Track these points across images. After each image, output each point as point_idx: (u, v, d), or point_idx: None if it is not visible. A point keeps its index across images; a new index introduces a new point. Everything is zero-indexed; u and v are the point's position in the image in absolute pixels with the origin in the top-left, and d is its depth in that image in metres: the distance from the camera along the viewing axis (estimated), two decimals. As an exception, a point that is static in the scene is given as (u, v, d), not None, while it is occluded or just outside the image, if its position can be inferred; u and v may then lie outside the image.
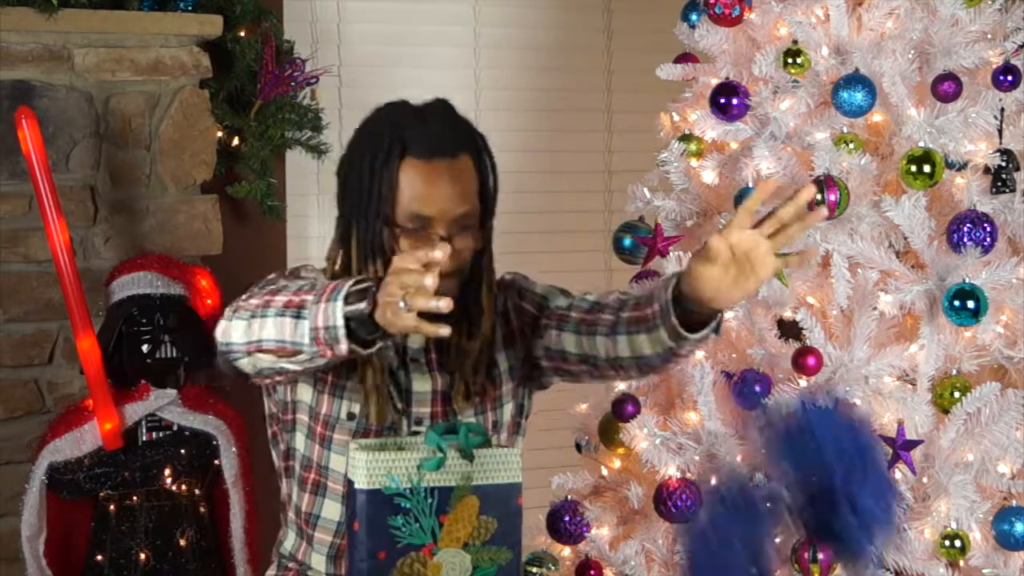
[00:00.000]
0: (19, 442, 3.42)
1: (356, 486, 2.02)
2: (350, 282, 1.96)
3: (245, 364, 2.08)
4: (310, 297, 1.97)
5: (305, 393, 2.24)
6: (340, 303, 1.93)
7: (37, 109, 3.34)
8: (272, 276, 2.20)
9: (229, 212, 3.74)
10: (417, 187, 2.15)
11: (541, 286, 2.38)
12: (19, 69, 3.42)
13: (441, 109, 2.22)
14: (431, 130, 2.17)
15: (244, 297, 2.10)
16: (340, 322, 1.93)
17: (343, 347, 1.95)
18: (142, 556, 3.19)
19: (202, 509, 3.26)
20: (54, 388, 3.48)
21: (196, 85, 3.60)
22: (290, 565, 2.34)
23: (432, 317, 1.91)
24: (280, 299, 2.02)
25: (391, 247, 2.18)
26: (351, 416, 2.23)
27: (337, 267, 2.24)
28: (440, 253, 1.90)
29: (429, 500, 2.05)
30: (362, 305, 1.93)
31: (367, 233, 2.19)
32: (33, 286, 3.45)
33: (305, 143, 3.83)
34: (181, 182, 3.60)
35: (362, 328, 1.95)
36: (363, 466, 2.02)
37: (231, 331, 2.06)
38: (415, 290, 1.87)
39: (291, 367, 2.06)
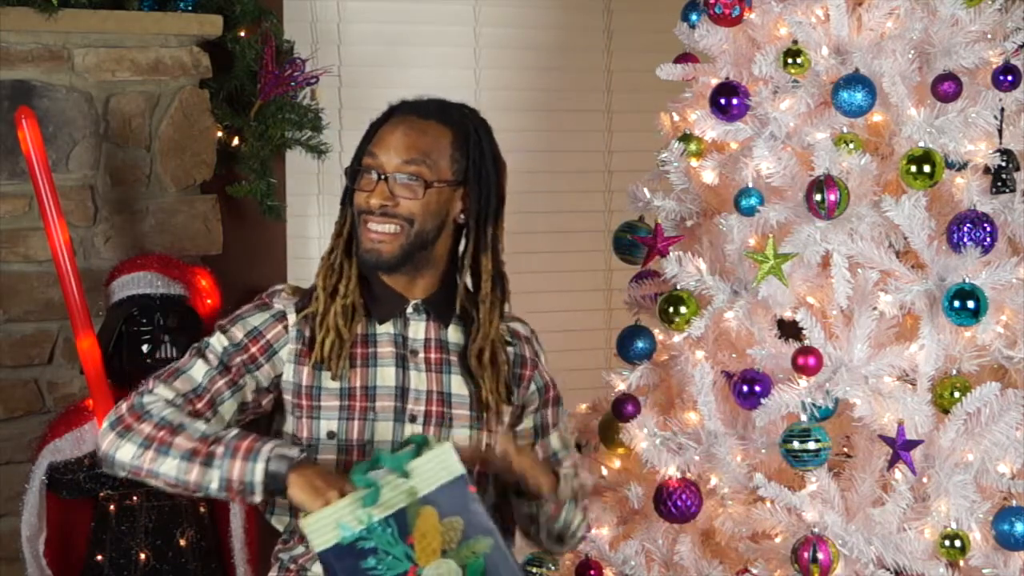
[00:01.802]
0: (19, 442, 3.42)
1: (317, 550, 2.08)
2: (267, 447, 2.16)
3: (122, 474, 2.25)
4: (219, 449, 2.17)
5: (288, 425, 2.34)
6: (260, 465, 2.15)
7: (37, 109, 3.34)
8: (162, 374, 2.33)
9: (229, 212, 3.74)
10: (381, 134, 2.32)
11: (545, 377, 2.48)
12: (19, 69, 3.42)
13: (443, 99, 2.38)
14: (423, 100, 2.36)
15: (131, 408, 2.25)
16: (259, 478, 2.16)
17: (257, 499, 2.18)
18: (142, 556, 3.19)
19: (202, 509, 3.26)
20: (54, 388, 3.48)
21: (196, 85, 3.60)
22: (291, 567, 2.35)
23: None
24: (183, 443, 2.19)
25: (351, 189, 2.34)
26: (331, 435, 2.29)
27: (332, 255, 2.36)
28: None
29: (388, 530, 2.08)
30: (283, 469, 2.15)
31: (347, 191, 2.36)
32: (33, 286, 3.45)
33: (305, 143, 3.83)
34: (181, 182, 3.60)
35: (271, 484, 2.17)
36: (311, 529, 2.09)
37: (119, 450, 2.23)
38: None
39: (176, 492, 2.25)
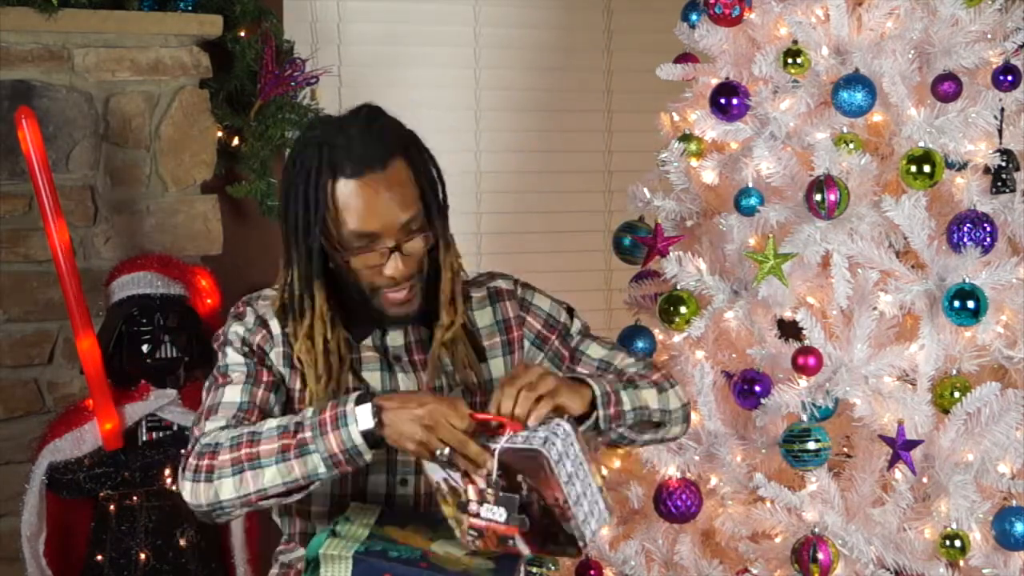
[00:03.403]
0: (19, 442, 3.42)
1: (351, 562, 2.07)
2: (351, 406, 2.07)
3: (239, 514, 2.17)
4: (308, 434, 2.07)
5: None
6: (353, 427, 2.06)
7: (37, 109, 3.34)
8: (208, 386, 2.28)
9: (229, 212, 3.74)
10: (354, 207, 2.17)
11: (542, 299, 2.42)
12: (19, 69, 3.42)
13: (364, 117, 2.22)
14: (355, 144, 2.17)
15: (200, 454, 2.14)
16: (359, 440, 2.06)
17: (368, 458, 2.08)
18: (142, 556, 3.19)
19: (202, 509, 3.26)
20: (54, 388, 3.48)
21: (196, 85, 3.60)
22: (291, 569, 2.35)
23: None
24: (267, 447, 2.09)
25: (336, 268, 2.22)
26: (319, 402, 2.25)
27: (286, 293, 2.27)
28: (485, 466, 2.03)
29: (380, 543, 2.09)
30: (371, 426, 2.05)
31: (306, 261, 2.22)
32: (33, 286, 3.45)
33: (305, 143, 3.82)
34: (181, 182, 3.60)
35: (370, 440, 2.08)
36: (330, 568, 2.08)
37: (220, 491, 2.11)
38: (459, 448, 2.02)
39: (292, 499, 2.15)
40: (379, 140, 2.18)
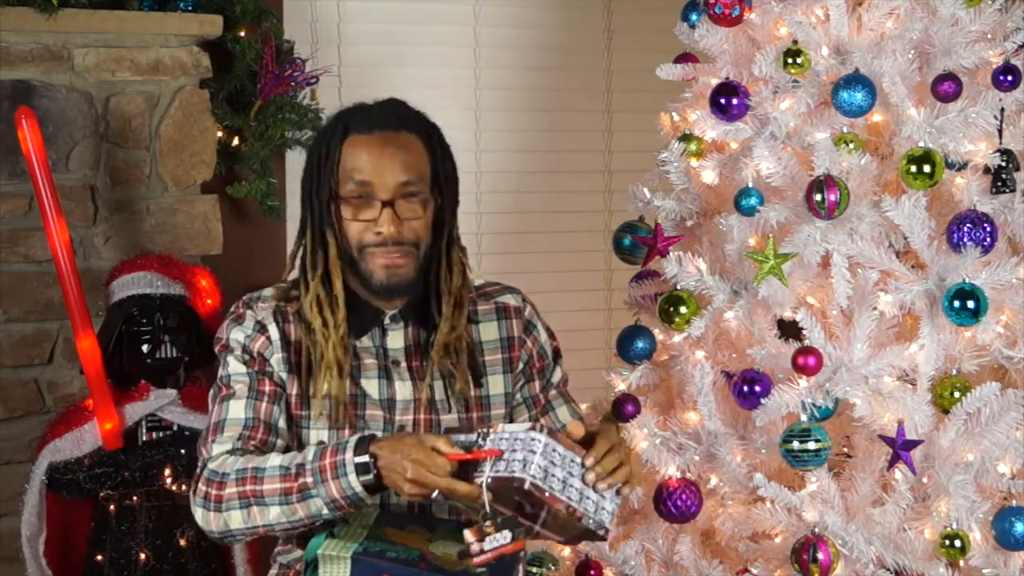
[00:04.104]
0: (19, 442, 3.42)
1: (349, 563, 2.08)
2: (349, 455, 2.09)
3: (249, 540, 2.25)
4: (308, 479, 2.10)
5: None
6: (353, 477, 2.09)
7: (37, 109, 3.34)
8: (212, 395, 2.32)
9: (229, 212, 3.74)
10: (358, 156, 2.23)
11: (542, 329, 2.44)
12: (19, 69, 3.43)
13: (392, 100, 2.31)
14: (374, 109, 2.27)
15: (209, 480, 2.18)
16: (359, 490, 2.10)
17: (369, 501, 2.13)
18: (142, 556, 3.19)
19: (202, 509, 3.26)
20: (54, 388, 3.49)
21: (196, 85, 3.60)
22: (289, 570, 2.35)
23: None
24: (270, 487, 2.13)
25: (337, 221, 2.24)
26: (320, 444, 2.25)
27: (299, 260, 2.31)
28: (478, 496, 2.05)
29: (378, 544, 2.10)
30: (370, 477, 2.09)
31: (317, 214, 2.26)
32: (33, 286, 3.45)
33: (305, 143, 3.83)
34: (181, 182, 3.60)
35: (371, 487, 2.12)
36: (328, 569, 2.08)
37: (229, 522, 2.16)
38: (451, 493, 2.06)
39: (299, 530, 2.20)
40: (398, 112, 2.28)
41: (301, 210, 2.31)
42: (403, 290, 2.26)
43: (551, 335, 2.47)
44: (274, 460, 2.15)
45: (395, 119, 2.25)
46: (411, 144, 2.24)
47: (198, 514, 2.18)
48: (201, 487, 2.18)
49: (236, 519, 2.15)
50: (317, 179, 2.25)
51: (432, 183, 2.25)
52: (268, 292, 2.35)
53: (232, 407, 2.25)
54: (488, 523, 2.02)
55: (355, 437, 2.12)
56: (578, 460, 2.05)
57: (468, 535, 2.03)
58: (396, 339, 2.31)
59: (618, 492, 2.09)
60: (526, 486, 1.99)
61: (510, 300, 2.42)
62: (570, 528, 2.07)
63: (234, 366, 2.28)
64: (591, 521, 2.05)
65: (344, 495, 2.09)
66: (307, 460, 2.12)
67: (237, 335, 2.29)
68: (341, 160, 2.23)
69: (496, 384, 2.36)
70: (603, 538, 2.10)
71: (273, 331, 2.29)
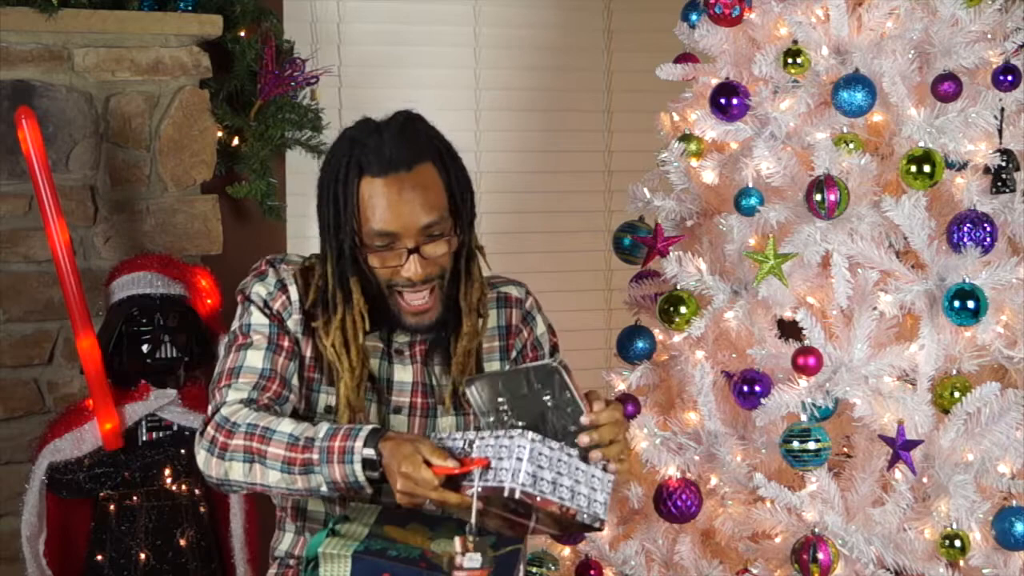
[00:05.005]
0: (19, 442, 3.42)
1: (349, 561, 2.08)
2: (359, 444, 2.09)
3: (245, 492, 2.29)
4: (315, 455, 2.11)
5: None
6: (359, 467, 2.09)
7: (37, 109, 3.34)
8: (227, 344, 2.31)
9: (229, 212, 3.74)
10: (377, 205, 2.20)
11: (542, 322, 2.45)
12: (19, 69, 3.42)
13: (400, 121, 2.26)
14: (385, 145, 2.21)
15: (219, 425, 2.18)
16: (363, 479, 2.10)
17: (368, 491, 2.12)
18: (142, 556, 3.19)
19: (202, 509, 3.26)
20: (54, 388, 3.49)
21: (196, 85, 3.60)
22: (290, 563, 2.36)
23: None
24: (275, 451, 2.13)
25: (362, 265, 2.24)
26: (328, 409, 2.29)
27: (321, 283, 2.30)
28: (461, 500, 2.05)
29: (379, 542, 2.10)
30: (375, 474, 2.09)
31: (337, 257, 2.26)
32: (33, 286, 3.45)
33: (305, 143, 3.83)
34: (181, 182, 3.60)
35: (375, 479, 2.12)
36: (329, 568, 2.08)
37: (230, 472, 2.17)
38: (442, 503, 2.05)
39: (295, 497, 2.22)
40: (410, 142, 2.23)
41: (320, 243, 2.30)
42: (430, 328, 2.29)
43: (551, 331, 2.47)
44: (285, 426, 2.15)
45: (408, 153, 2.22)
46: (427, 179, 2.22)
47: (200, 456, 2.19)
48: (209, 430, 2.18)
49: (237, 471, 2.16)
50: (336, 224, 2.24)
51: (450, 210, 2.25)
52: (293, 258, 2.37)
53: (250, 356, 2.26)
54: (472, 538, 2.02)
55: (368, 428, 2.11)
56: (565, 458, 2.05)
57: (457, 544, 2.04)
58: (402, 334, 2.33)
59: (606, 468, 2.08)
60: (516, 495, 1.99)
61: (512, 291, 2.43)
62: (566, 523, 2.08)
63: (256, 316, 2.29)
64: (585, 516, 2.05)
65: (346, 481, 2.10)
66: (317, 436, 2.12)
67: (259, 289, 2.31)
68: (359, 203, 2.21)
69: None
70: (599, 529, 2.11)
71: (293, 292, 2.31)
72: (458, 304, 2.31)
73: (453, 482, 2.05)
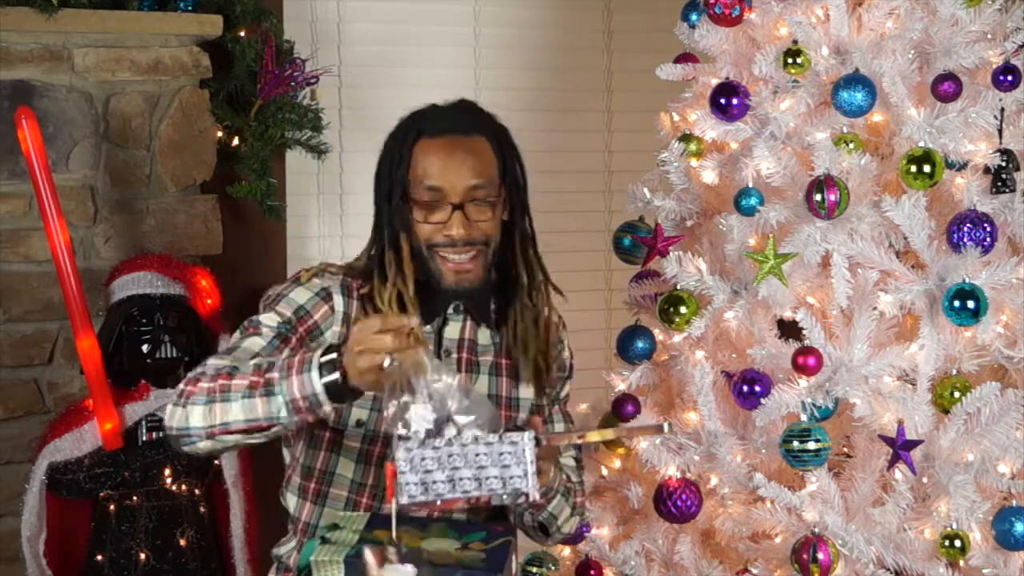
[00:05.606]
0: (19, 442, 3.42)
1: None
2: (318, 354, 2.02)
3: (204, 446, 2.12)
4: (275, 375, 2.04)
5: None
6: (315, 374, 2.01)
7: (37, 109, 3.34)
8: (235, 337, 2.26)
9: (229, 212, 3.74)
10: (429, 160, 2.26)
11: (568, 351, 2.51)
12: (19, 69, 3.43)
13: (463, 102, 2.36)
14: (445, 113, 2.31)
15: (189, 379, 2.12)
16: (319, 389, 2.01)
17: (327, 408, 2.03)
18: (142, 556, 3.19)
19: (202, 509, 3.26)
20: (54, 388, 3.49)
21: (196, 85, 3.60)
22: (290, 564, 2.36)
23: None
24: (239, 382, 2.06)
25: (408, 220, 2.27)
26: (359, 423, 2.27)
27: (373, 253, 2.32)
28: (410, 321, 1.97)
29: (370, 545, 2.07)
30: (335, 376, 2.00)
31: (389, 214, 2.28)
32: (33, 286, 3.45)
33: (305, 143, 3.83)
34: (181, 182, 3.60)
35: (334, 391, 2.02)
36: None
37: (189, 416, 2.09)
38: (397, 351, 1.95)
39: (255, 441, 2.11)
40: (469, 115, 2.32)
41: (375, 210, 2.33)
42: (471, 293, 2.30)
43: (570, 351, 2.51)
44: (257, 360, 2.12)
45: (465, 122, 2.30)
46: (480, 148, 2.29)
47: (166, 412, 2.13)
48: (180, 386, 2.13)
49: (196, 415, 2.08)
50: (390, 181, 2.28)
51: (501, 185, 2.31)
52: (335, 265, 2.36)
53: (253, 340, 2.22)
54: (392, 550, 1.99)
55: (328, 342, 2.10)
56: (458, 449, 1.98)
57: (368, 554, 1.99)
58: (453, 329, 2.35)
59: (539, 443, 2.01)
60: (411, 511, 1.99)
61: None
62: (487, 507, 2.08)
63: (274, 318, 2.25)
64: (505, 496, 2.01)
65: (304, 394, 2.01)
66: (280, 358, 2.09)
67: (299, 295, 2.27)
68: (412, 163, 2.26)
69: (526, 390, 2.39)
70: (534, 504, 2.09)
71: (338, 302, 2.28)
72: (506, 291, 2.35)
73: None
